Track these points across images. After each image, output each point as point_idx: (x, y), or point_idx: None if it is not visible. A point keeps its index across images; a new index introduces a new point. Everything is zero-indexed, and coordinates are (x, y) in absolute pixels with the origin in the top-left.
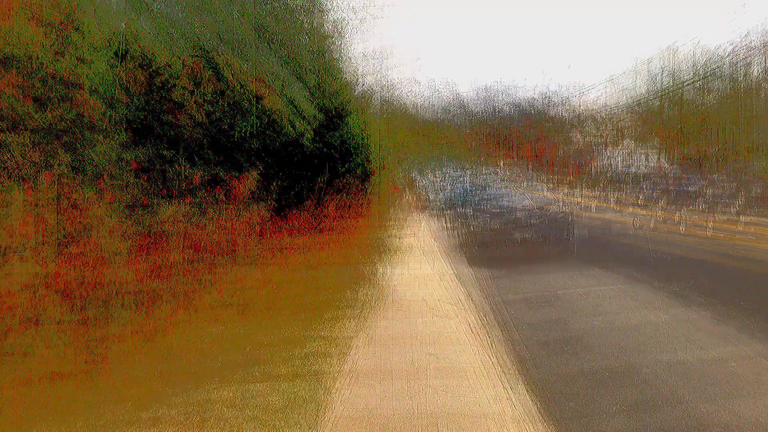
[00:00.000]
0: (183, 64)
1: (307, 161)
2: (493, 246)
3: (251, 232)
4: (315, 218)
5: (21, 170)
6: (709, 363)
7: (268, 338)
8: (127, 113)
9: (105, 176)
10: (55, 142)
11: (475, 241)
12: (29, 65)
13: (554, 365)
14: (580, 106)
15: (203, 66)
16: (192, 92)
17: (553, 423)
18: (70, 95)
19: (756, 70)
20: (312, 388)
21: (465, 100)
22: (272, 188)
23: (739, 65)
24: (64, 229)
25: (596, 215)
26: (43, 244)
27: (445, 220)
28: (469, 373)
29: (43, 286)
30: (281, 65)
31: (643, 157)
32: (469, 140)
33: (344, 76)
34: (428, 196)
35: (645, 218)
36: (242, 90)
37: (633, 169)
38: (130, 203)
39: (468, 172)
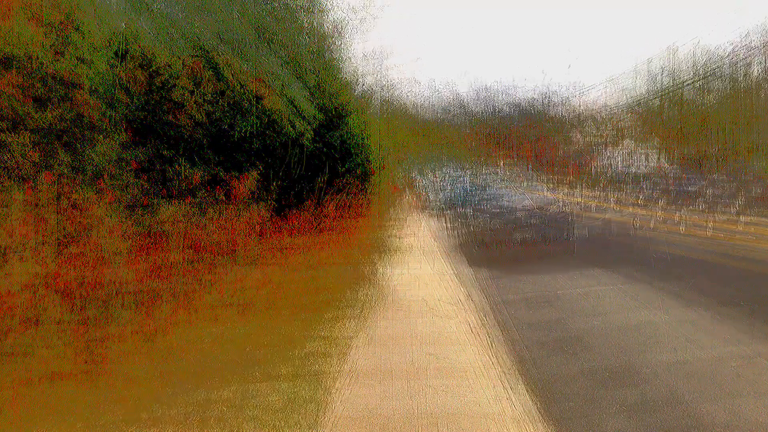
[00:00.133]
0: (183, 64)
1: (307, 161)
2: (493, 246)
3: (251, 232)
4: (315, 218)
5: (21, 170)
6: (709, 363)
7: (268, 338)
8: (127, 113)
9: (105, 176)
10: (55, 142)
11: (475, 241)
12: (29, 65)
13: (554, 365)
14: (580, 106)
15: (203, 66)
16: (192, 92)
17: (553, 423)
18: (70, 95)
19: (756, 70)
20: (312, 388)
21: (465, 100)
22: (272, 188)
23: (739, 65)
24: (64, 229)
25: (596, 215)
26: (43, 244)
27: (445, 220)
28: (469, 373)
29: (43, 286)
30: (281, 65)
31: (643, 157)
32: (469, 140)
33: (344, 76)
34: (428, 196)
35: (645, 218)
36: (242, 90)
37: (633, 169)
38: (130, 203)
39: (468, 172)
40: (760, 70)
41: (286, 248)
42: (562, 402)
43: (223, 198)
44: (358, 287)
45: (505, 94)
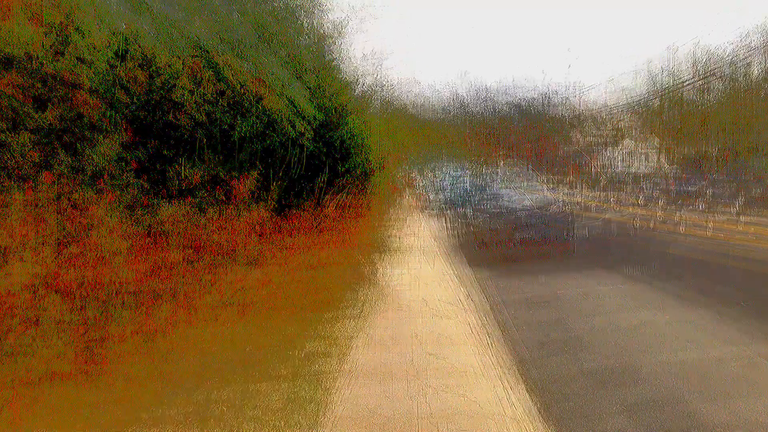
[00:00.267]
0: (183, 64)
1: (307, 161)
2: (493, 246)
3: (251, 232)
4: (315, 218)
5: (21, 170)
6: (709, 363)
7: (268, 338)
8: (127, 113)
9: (105, 176)
10: (55, 142)
11: (475, 241)
12: (29, 65)
13: (554, 365)
14: (580, 106)
15: (203, 66)
16: (192, 92)
17: (553, 423)
18: (70, 95)
19: (756, 70)
20: (312, 388)
21: (465, 100)
22: (272, 188)
23: (739, 65)
24: (64, 229)
25: (596, 215)
26: (43, 244)
27: (446, 220)
28: (469, 374)
29: (43, 286)
30: (281, 65)
31: (643, 157)
32: (469, 140)
33: (344, 76)
34: (428, 196)
35: (645, 218)
36: (242, 90)
37: (633, 169)
38: (130, 203)
39: (468, 172)
40: (760, 70)
41: (286, 248)
42: (562, 402)
43: (223, 198)
44: (358, 287)
45: (505, 94)
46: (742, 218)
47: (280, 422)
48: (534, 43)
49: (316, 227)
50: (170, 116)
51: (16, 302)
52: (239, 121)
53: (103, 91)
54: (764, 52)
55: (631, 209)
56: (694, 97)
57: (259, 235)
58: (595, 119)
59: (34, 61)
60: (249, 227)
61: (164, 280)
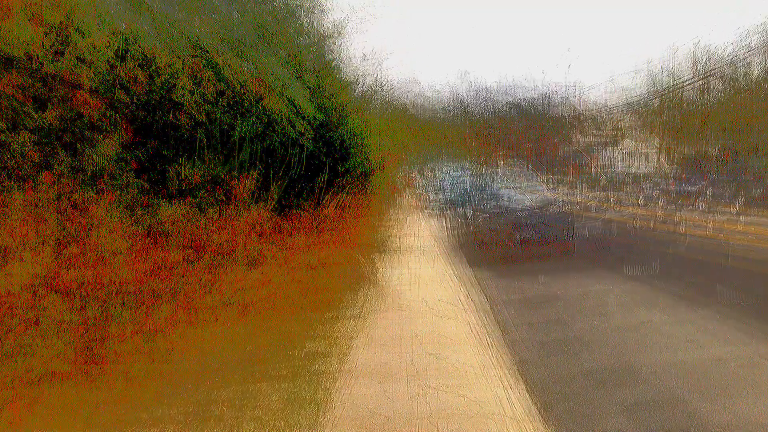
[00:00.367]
0: (183, 64)
1: (307, 161)
2: (493, 246)
3: (251, 232)
4: (315, 218)
5: (21, 170)
6: (709, 363)
7: (268, 338)
8: (127, 113)
9: (105, 176)
10: (55, 142)
11: (475, 242)
12: (29, 65)
13: (554, 365)
14: (580, 106)
15: (203, 66)
16: (192, 92)
17: (553, 423)
18: (70, 95)
19: (756, 70)
20: (312, 388)
21: (465, 100)
22: (272, 188)
23: (739, 65)
24: (64, 229)
25: (596, 215)
26: (43, 244)
27: (445, 220)
28: (469, 374)
29: (43, 286)
30: (281, 65)
31: (643, 157)
32: (469, 140)
33: (344, 76)
34: (428, 196)
35: (645, 218)
36: (242, 90)
37: (633, 169)
38: (130, 203)
39: (468, 172)
40: (760, 70)
41: (286, 248)
42: (562, 402)
43: (223, 198)
44: (359, 287)
45: (505, 94)
46: (742, 218)
47: (280, 422)
48: (534, 43)
49: (316, 227)
50: (170, 116)
51: (16, 302)
52: (239, 121)
53: (103, 91)
54: (764, 52)
55: (631, 209)
56: (694, 97)
57: (259, 235)
58: (595, 119)
59: (34, 61)
60: (249, 227)
61: (164, 280)
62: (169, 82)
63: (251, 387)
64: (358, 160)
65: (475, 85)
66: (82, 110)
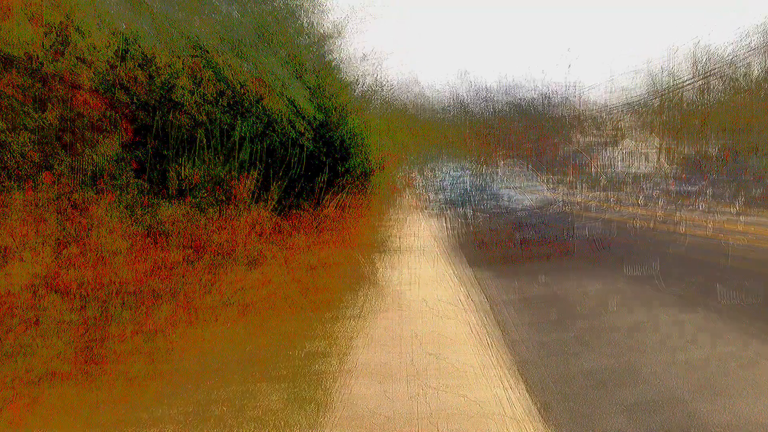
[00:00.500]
0: (183, 64)
1: (307, 161)
2: (493, 246)
3: (251, 232)
4: (315, 218)
5: (21, 170)
6: (709, 363)
7: (268, 338)
8: (127, 113)
9: (105, 176)
10: (55, 142)
11: (475, 242)
12: (29, 65)
13: (554, 365)
14: (580, 106)
15: (203, 66)
16: (192, 92)
17: (553, 423)
18: (70, 95)
19: (756, 70)
20: (312, 388)
21: (465, 100)
22: (272, 188)
23: (739, 65)
24: (64, 229)
25: (596, 215)
26: (43, 244)
27: (446, 220)
28: (469, 374)
29: (43, 286)
30: (281, 65)
31: (643, 157)
32: (469, 140)
33: (344, 76)
34: (428, 196)
35: (645, 218)
36: (242, 90)
37: (633, 169)
38: (130, 203)
39: (468, 171)
40: (760, 70)
41: (286, 248)
42: (562, 402)
43: (223, 198)
44: (359, 287)
45: (505, 94)
46: (742, 218)
47: (280, 422)
48: (534, 43)
49: (316, 227)
50: (170, 116)
51: (16, 302)
52: (239, 121)
53: (103, 91)
54: (764, 52)
55: (631, 209)
56: (694, 97)
57: (259, 235)
58: (595, 119)
59: (34, 61)
60: (249, 227)
61: (164, 280)
62: (169, 82)
63: (251, 387)
64: (358, 160)
65: (475, 85)
66: (82, 110)
